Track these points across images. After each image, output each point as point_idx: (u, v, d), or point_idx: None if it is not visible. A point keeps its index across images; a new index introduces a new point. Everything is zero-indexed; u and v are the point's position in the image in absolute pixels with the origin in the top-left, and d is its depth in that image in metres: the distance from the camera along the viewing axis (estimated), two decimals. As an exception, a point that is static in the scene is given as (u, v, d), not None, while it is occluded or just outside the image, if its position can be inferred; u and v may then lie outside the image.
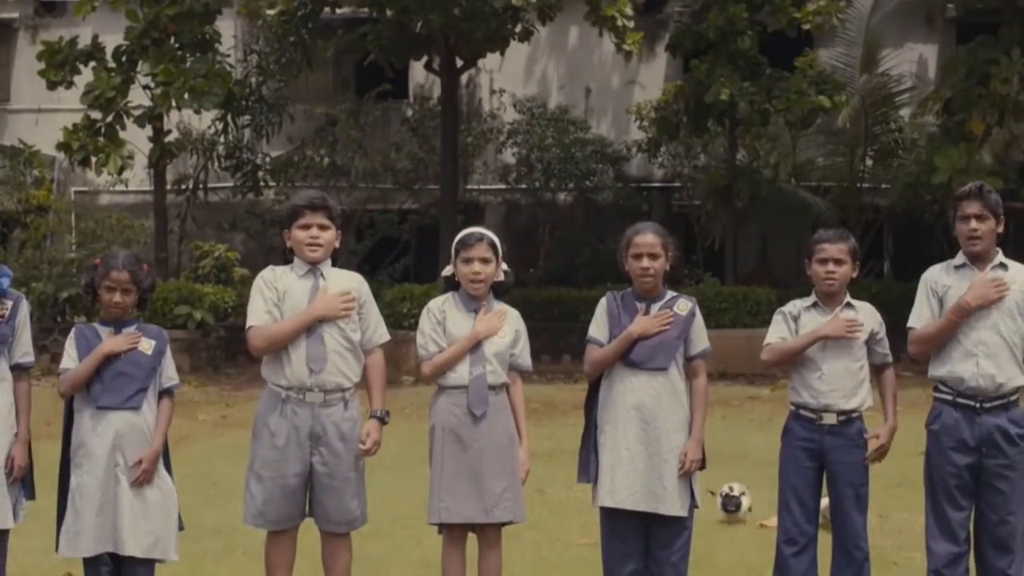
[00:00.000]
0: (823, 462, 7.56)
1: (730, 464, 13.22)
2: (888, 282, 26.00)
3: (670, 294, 7.59)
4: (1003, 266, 7.46)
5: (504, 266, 7.63)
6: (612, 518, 7.47)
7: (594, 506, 7.58)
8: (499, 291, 7.64)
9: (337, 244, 7.51)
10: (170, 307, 23.57)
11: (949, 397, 7.41)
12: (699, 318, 7.61)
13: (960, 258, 7.49)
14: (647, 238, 7.49)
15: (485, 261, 7.49)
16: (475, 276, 7.47)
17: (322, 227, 7.40)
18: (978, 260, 7.44)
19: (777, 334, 7.73)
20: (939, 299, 7.49)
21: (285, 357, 7.32)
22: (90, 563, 7.20)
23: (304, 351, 7.28)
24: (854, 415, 7.56)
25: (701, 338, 7.61)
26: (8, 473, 7.22)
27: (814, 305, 7.67)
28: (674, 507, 7.40)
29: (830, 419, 7.51)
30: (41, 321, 25.37)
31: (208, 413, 17.28)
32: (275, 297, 7.38)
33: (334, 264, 7.58)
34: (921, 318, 7.57)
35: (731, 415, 16.34)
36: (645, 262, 7.44)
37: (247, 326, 7.42)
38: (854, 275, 7.68)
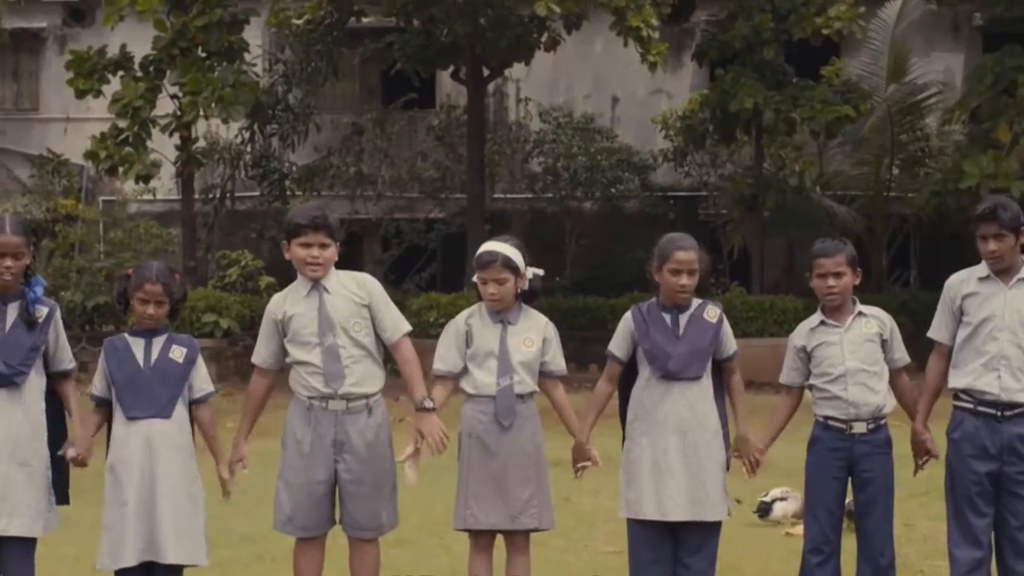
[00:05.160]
0: (851, 471, 7.59)
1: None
2: (915, 291, 25.95)
3: (696, 302, 7.62)
4: None
5: (531, 271, 7.63)
6: (641, 526, 7.50)
7: (624, 516, 7.60)
8: (528, 297, 7.66)
9: (336, 258, 7.52)
10: (197, 315, 23.62)
11: (970, 405, 7.41)
12: (726, 323, 7.65)
13: (985, 269, 7.47)
14: (689, 255, 7.46)
15: (500, 282, 7.49)
16: (490, 296, 7.51)
17: (322, 245, 7.42)
18: (1003, 272, 7.43)
19: (789, 375, 7.84)
20: (959, 310, 7.50)
21: (305, 375, 7.40)
22: (123, 572, 7.26)
23: (322, 370, 7.36)
24: (882, 422, 7.58)
25: (730, 342, 7.68)
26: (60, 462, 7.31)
27: (822, 323, 7.68)
28: (716, 512, 7.47)
29: (860, 428, 7.54)
30: (70, 330, 25.32)
31: (236, 421, 17.21)
32: (276, 330, 7.53)
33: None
34: (940, 331, 7.62)
35: (757, 424, 16.29)
36: (684, 279, 7.44)
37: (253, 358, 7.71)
38: (856, 282, 7.68)
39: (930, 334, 7.68)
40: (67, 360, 7.43)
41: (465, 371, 7.58)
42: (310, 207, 7.77)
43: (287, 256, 7.55)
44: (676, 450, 7.42)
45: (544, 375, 7.63)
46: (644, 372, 7.56)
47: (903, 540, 9.60)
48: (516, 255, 7.56)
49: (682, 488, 7.39)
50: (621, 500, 7.61)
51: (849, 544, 7.74)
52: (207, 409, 7.56)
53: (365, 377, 7.41)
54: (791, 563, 7.91)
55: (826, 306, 7.70)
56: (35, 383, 7.27)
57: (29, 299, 7.21)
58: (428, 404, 7.41)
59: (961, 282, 7.56)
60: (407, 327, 7.60)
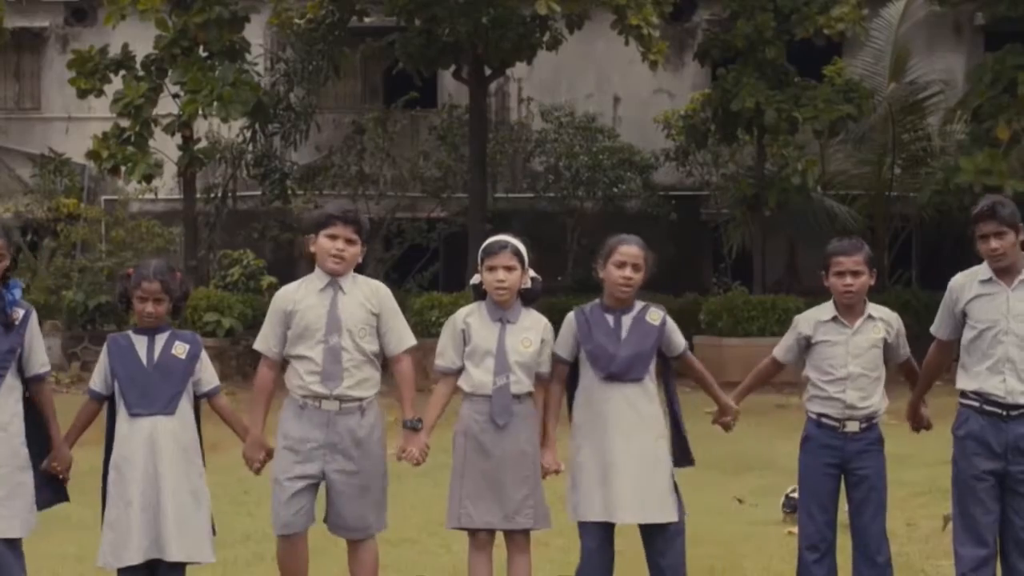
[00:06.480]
0: (844, 468, 7.61)
1: (757, 472, 13.23)
2: (916, 290, 25.96)
3: (639, 305, 7.62)
4: None
5: (532, 273, 7.63)
6: (593, 527, 7.46)
7: (571, 519, 7.57)
8: (527, 298, 7.63)
9: (359, 260, 7.54)
10: (199, 315, 23.62)
11: (976, 404, 7.40)
12: (671, 323, 7.66)
13: (987, 272, 7.46)
14: (632, 249, 7.55)
15: (509, 269, 7.48)
16: (499, 284, 7.47)
17: (349, 241, 7.42)
18: (1005, 274, 7.42)
19: (786, 355, 7.94)
20: (962, 312, 7.50)
21: (302, 372, 7.40)
22: (127, 572, 7.24)
23: (320, 368, 7.35)
24: (874, 421, 7.60)
25: (678, 339, 7.70)
26: (44, 473, 7.31)
27: (833, 319, 7.69)
28: (665, 514, 7.42)
29: (853, 427, 7.56)
30: (71, 329, 25.48)
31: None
32: (283, 321, 7.50)
33: (362, 271, 7.63)
34: (940, 329, 7.66)
35: (759, 423, 16.31)
36: (628, 271, 7.48)
37: (256, 346, 7.67)
38: (871, 283, 7.70)
39: (932, 330, 7.71)
40: (40, 364, 7.36)
41: (463, 369, 7.57)
42: (344, 202, 7.82)
43: (312, 248, 7.53)
44: (621, 451, 7.40)
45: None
46: (587, 374, 7.56)
47: (904, 540, 9.61)
48: (523, 247, 7.59)
49: (629, 490, 7.37)
50: (568, 504, 7.57)
51: (846, 544, 7.73)
52: (221, 398, 7.58)
53: (362, 382, 7.41)
54: (792, 563, 7.91)
55: (840, 305, 7.70)
56: (11, 386, 7.22)
57: (7, 301, 7.16)
58: (417, 424, 7.46)
59: (963, 286, 7.55)
60: (411, 342, 7.60)
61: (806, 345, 7.77)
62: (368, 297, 7.48)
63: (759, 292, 25.21)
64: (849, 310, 7.68)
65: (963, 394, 7.51)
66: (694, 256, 29.37)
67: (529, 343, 7.52)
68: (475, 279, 7.68)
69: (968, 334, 7.48)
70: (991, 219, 7.36)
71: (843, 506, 7.79)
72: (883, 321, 7.72)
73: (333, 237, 7.43)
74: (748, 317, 23.35)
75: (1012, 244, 7.36)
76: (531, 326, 7.58)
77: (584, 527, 7.50)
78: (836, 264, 7.67)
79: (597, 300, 7.65)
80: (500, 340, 7.48)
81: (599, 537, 7.46)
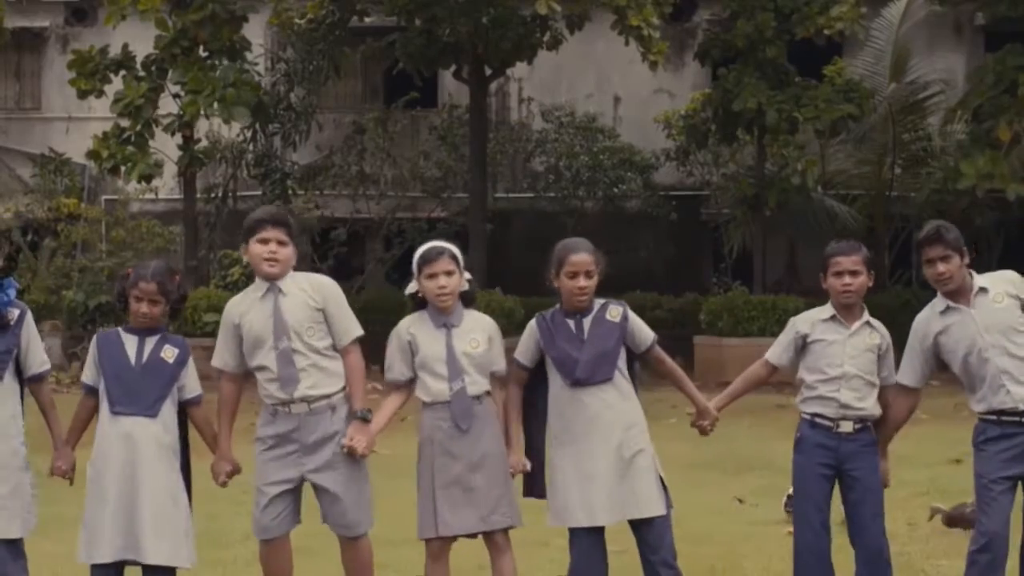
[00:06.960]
0: (838, 469, 7.59)
1: (757, 472, 13.21)
2: (916, 290, 25.95)
3: (598, 304, 7.60)
4: (984, 291, 7.46)
5: (467, 275, 7.61)
6: (580, 534, 7.44)
7: (551, 524, 7.55)
8: (466, 301, 7.62)
9: (294, 262, 7.51)
10: (199, 315, 23.59)
11: (993, 419, 7.41)
12: (633, 317, 7.64)
13: (942, 301, 7.51)
14: (583, 256, 7.51)
15: (449, 274, 7.45)
16: (441, 290, 7.44)
17: (281, 243, 7.40)
18: (959, 296, 7.46)
19: (780, 356, 7.85)
20: (932, 347, 7.52)
21: (263, 381, 7.43)
22: (99, 569, 7.24)
23: (276, 375, 7.36)
24: (868, 423, 7.59)
25: (644, 333, 7.65)
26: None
27: (832, 318, 7.68)
28: (651, 508, 7.39)
29: (847, 427, 7.55)
30: (71, 329, 25.47)
31: (237, 421, 17.21)
32: (234, 334, 7.51)
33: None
34: (907, 374, 7.68)
35: (758, 424, 16.32)
36: (582, 281, 7.46)
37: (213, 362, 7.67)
38: (870, 284, 7.70)
39: (898, 378, 7.70)
40: (40, 363, 7.39)
41: (415, 379, 7.54)
42: (270, 206, 7.78)
43: (244, 257, 7.54)
44: (601, 454, 7.37)
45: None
46: (555, 381, 7.54)
47: (905, 539, 9.60)
48: (458, 251, 7.58)
49: (610, 491, 7.34)
50: (549, 509, 7.54)
51: (846, 544, 7.72)
52: (202, 409, 7.56)
53: (322, 379, 7.40)
54: (792, 563, 7.89)
55: (838, 306, 7.69)
56: (9, 386, 7.23)
57: (1, 302, 7.15)
58: (367, 415, 7.42)
59: (927, 322, 7.59)
60: (357, 333, 7.55)
61: (802, 345, 7.74)
62: (311, 294, 7.45)
63: (759, 292, 25.21)
64: (848, 311, 7.67)
65: (980, 413, 7.51)
66: (694, 256, 29.41)
67: (477, 343, 7.50)
68: (411, 287, 7.63)
69: (955, 365, 7.52)
70: (937, 243, 7.43)
71: (842, 506, 7.79)
72: (879, 332, 7.72)
73: (264, 241, 7.40)
74: (748, 317, 23.35)
75: (958, 267, 7.43)
76: (475, 326, 7.57)
77: (572, 532, 7.49)
78: (834, 264, 7.66)
79: (557, 305, 7.63)
80: (448, 345, 7.46)
81: (588, 541, 7.43)
